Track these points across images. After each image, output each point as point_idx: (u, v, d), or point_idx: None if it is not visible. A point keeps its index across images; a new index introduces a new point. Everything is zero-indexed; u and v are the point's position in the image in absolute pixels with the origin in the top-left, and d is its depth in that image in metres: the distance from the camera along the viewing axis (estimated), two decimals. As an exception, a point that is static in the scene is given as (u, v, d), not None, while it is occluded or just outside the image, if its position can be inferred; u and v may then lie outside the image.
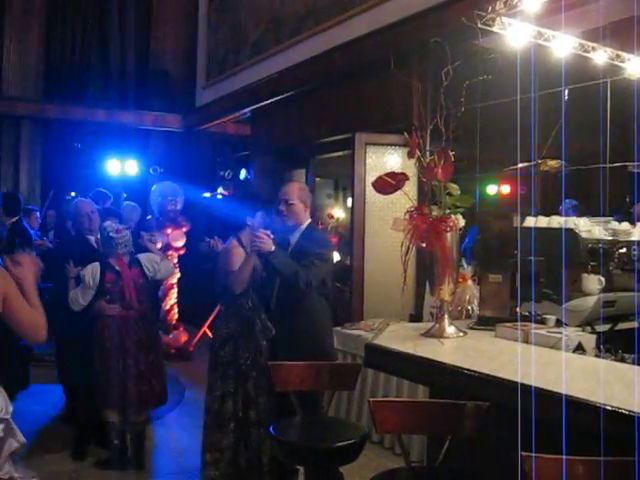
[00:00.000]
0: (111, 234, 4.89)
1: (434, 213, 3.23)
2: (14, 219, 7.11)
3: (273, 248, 4.04)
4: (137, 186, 10.08)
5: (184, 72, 12.18)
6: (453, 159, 3.20)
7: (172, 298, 8.63)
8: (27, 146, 11.47)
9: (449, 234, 3.20)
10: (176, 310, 8.70)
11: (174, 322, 8.68)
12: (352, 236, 6.84)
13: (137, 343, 4.90)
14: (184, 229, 8.34)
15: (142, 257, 5.11)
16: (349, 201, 12.50)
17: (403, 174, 3.28)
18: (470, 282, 5.12)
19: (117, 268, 4.90)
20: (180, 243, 8.37)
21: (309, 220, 4.39)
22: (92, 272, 4.87)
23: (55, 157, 11.38)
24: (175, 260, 8.50)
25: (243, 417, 4.21)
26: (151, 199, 8.45)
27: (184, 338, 8.58)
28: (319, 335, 4.29)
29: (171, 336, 8.54)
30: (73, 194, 10.74)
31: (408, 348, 2.94)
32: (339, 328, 5.98)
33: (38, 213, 8.38)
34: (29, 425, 5.49)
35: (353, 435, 3.16)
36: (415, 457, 4.70)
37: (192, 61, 11.89)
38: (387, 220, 6.71)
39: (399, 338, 3.21)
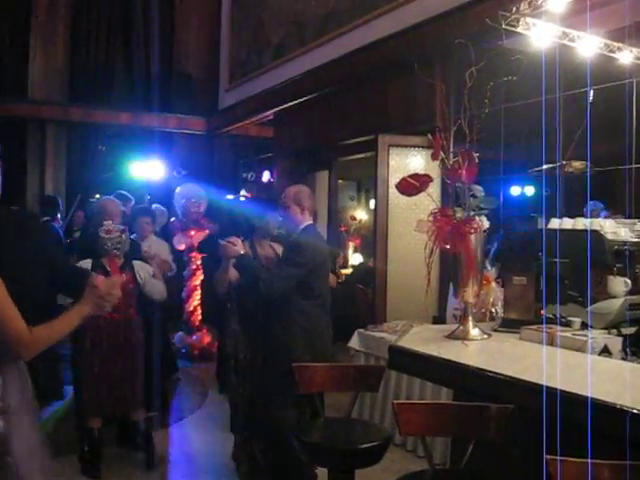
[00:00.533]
0: (101, 233, 4.81)
1: (458, 215, 3.22)
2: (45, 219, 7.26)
3: (242, 252, 4.14)
4: (161, 188, 10.14)
5: (207, 75, 12.24)
6: (477, 160, 3.19)
7: (195, 299, 8.67)
8: (52, 148, 11.59)
9: (473, 236, 3.18)
10: (199, 311, 8.73)
11: (197, 323, 8.71)
12: (375, 238, 6.84)
13: (116, 347, 4.77)
14: (207, 231, 8.38)
15: (137, 263, 4.98)
16: (372, 203, 12.52)
17: (427, 176, 3.27)
18: (494, 284, 5.09)
19: (107, 268, 4.76)
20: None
21: (307, 222, 4.35)
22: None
23: (79, 159, 11.50)
24: (198, 262, 8.56)
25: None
26: (175, 201, 8.49)
27: (207, 339, 8.61)
28: (289, 342, 4.17)
29: (194, 337, 8.58)
30: (97, 196, 10.83)
31: (432, 350, 2.93)
32: (362, 330, 5.98)
33: (58, 215, 8.47)
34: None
35: (376, 437, 3.16)
36: (438, 459, 4.68)
37: (215, 64, 11.95)
38: (410, 222, 6.70)
39: (423, 340, 3.20)
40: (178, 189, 8.61)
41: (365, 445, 3.08)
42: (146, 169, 10.80)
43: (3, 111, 10.97)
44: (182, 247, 8.34)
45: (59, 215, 8.54)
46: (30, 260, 2.80)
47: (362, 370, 3.61)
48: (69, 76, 11.89)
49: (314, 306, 4.25)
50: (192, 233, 8.29)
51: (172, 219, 8.58)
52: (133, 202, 7.64)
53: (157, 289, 5.04)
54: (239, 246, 4.15)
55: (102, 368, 4.74)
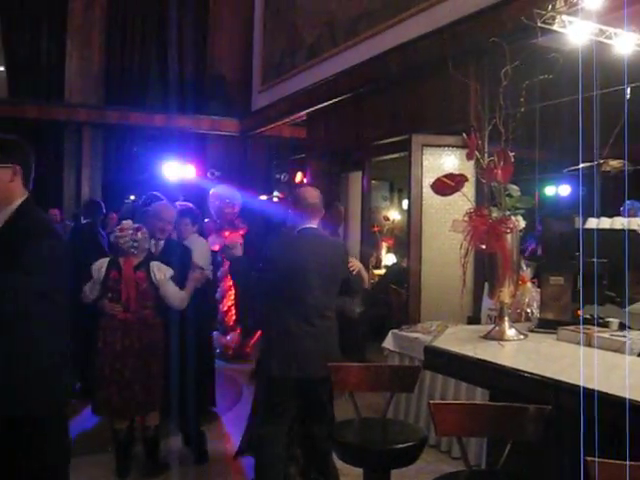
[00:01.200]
0: (116, 232, 4.83)
1: (494, 214, 3.20)
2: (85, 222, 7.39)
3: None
4: (195, 189, 10.21)
5: (240, 76, 12.32)
6: (513, 160, 3.17)
7: (230, 300, 8.72)
8: (88, 151, 11.75)
9: (509, 236, 3.17)
10: (234, 311, 8.79)
11: (231, 323, 8.77)
12: (409, 238, 6.82)
13: (128, 348, 4.70)
14: (241, 232, 8.42)
15: (154, 263, 4.83)
16: (404, 203, 12.49)
17: (462, 175, 3.26)
18: (529, 284, 5.05)
19: (122, 267, 4.79)
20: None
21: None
22: (99, 266, 4.80)
23: (115, 161, 11.64)
24: (233, 262, 8.60)
25: None
26: (209, 202, 8.55)
27: (241, 339, 8.66)
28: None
29: (229, 337, 8.64)
30: (132, 197, 10.95)
31: (468, 350, 2.92)
32: (396, 330, 5.97)
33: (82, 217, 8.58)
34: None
35: (412, 437, 3.15)
36: (472, 460, 4.64)
37: (248, 65, 12.02)
38: (444, 222, 6.68)
39: (458, 340, 3.19)
40: (212, 190, 8.67)
41: (401, 445, 3.07)
42: (180, 170, 10.89)
43: (41, 114, 11.16)
44: (216, 248, 8.39)
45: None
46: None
47: (397, 370, 3.61)
48: (105, 79, 12.05)
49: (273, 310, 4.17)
50: (226, 234, 8.35)
51: (206, 220, 8.64)
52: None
53: (172, 294, 4.82)
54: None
55: (113, 369, 4.69)
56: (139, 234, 4.81)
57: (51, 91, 11.58)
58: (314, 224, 4.08)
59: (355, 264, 4.13)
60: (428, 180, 6.75)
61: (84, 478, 4.61)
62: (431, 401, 2.61)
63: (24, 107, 11.10)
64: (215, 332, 8.71)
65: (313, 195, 4.14)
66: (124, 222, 4.95)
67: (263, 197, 10.21)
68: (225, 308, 8.70)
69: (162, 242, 5.18)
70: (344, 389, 3.39)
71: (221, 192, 8.56)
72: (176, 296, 4.83)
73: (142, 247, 4.83)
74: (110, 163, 11.81)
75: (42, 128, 11.44)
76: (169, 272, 4.84)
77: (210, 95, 12.31)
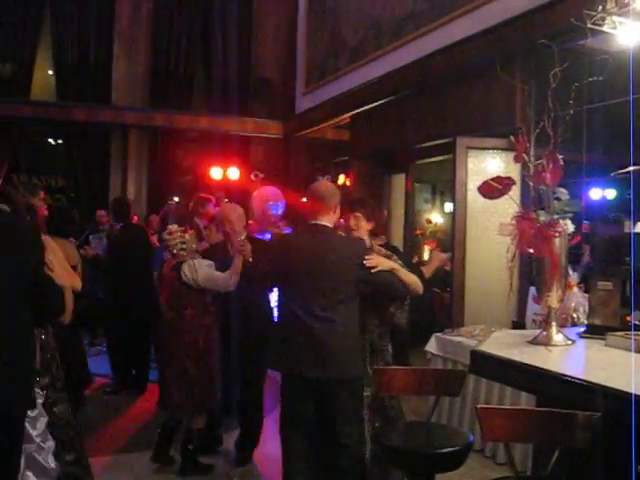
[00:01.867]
0: (164, 236, 4.99)
1: (541, 218, 3.17)
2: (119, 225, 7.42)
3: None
4: (238, 191, 10.27)
5: (284, 79, 12.39)
6: (562, 163, 3.13)
7: (273, 301, 8.74)
8: (134, 153, 11.93)
9: (557, 240, 3.13)
10: (277, 312, 8.80)
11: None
12: (453, 241, 6.77)
13: (167, 349, 4.87)
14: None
15: (186, 262, 4.86)
16: (446, 206, 12.41)
17: (509, 178, 3.23)
18: (576, 289, 4.99)
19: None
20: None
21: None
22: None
23: (160, 163, 11.78)
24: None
25: None
26: (252, 204, 8.59)
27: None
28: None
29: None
30: (176, 199, 11.06)
31: (514, 355, 2.89)
32: (439, 334, 5.94)
33: (135, 217, 8.68)
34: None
35: (457, 442, 3.13)
36: (517, 467, 4.60)
37: (292, 68, 12.07)
38: (488, 225, 6.62)
39: (505, 345, 3.17)
40: (255, 192, 8.71)
41: (446, 449, 3.06)
42: (224, 172, 10.97)
43: (88, 117, 11.35)
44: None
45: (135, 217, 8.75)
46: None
47: (443, 374, 3.58)
48: (150, 82, 12.20)
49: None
50: (268, 236, 8.38)
51: (250, 222, 8.69)
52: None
53: (209, 278, 4.80)
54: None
55: (159, 369, 4.95)
56: (186, 236, 4.91)
57: (98, 94, 11.77)
58: (324, 220, 3.89)
59: (374, 261, 3.80)
60: (472, 183, 6.70)
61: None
62: (478, 405, 2.59)
63: (72, 110, 11.32)
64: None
65: (321, 190, 3.96)
66: (170, 226, 5.05)
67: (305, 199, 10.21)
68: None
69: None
70: (389, 391, 3.38)
71: (264, 194, 8.59)
72: (216, 279, 4.81)
73: (190, 248, 4.91)
74: (155, 164, 11.96)
75: (89, 130, 11.65)
76: (203, 264, 4.87)
77: (254, 97, 12.40)
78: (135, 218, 8.80)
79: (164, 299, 4.91)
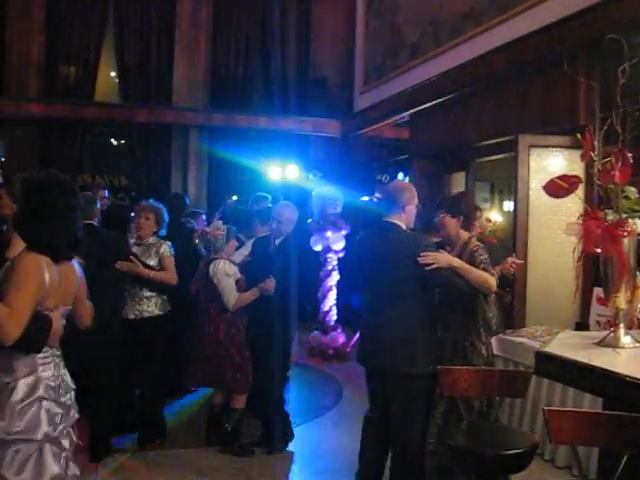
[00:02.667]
0: (208, 235, 5.38)
1: (609, 217, 3.10)
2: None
3: None
4: (297, 190, 10.33)
5: (342, 78, 12.39)
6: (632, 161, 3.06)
7: (331, 300, 8.79)
8: (195, 153, 12.10)
9: (626, 239, 3.06)
10: (335, 311, 8.84)
11: (332, 323, 8.83)
12: (514, 240, 6.67)
13: (209, 334, 5.23)
14: (343, 232, 8.48)
15: (221, 260, 5.25)
16: (505, 205, 12.22)
17: (576, 177, 3.17)
18: (644, 290, 4.86)
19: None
20: (339, 246, 8.51)
21: None
22: None
23: (220, 162, 11.91)
24: (334, 262, 8.68)
25: None
26: (312, 203, 8.65)
27: (341, 339, 8.71)
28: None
29: (329, 337, 8.70)
30: (235, 197, 11.18)
31: (582, 357, 2.84)
32: (501, 335, 5.86)
33: (204, 216, 8.76)
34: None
35: (523, 443, 3.09)
36: (577, 470, 4.51)
37: (350, 67, 12.08)
38: (551, 225, 6.51)
39: (571, 346, 3.11)
40: (315, 191, 8.76)
41: (512, 451, 3.02)
42: (283, 171, 11.05)
43: (150, 117, 11.56)
44: (318, 248, 8.49)
45: (204, 216, 8.80)
46: None
47: (508, 375, 3.54)
48: (210, 83, 12.36)
49: None
50: (328, 234, 8.42)
51: (309, 220, 8.74)
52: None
53: (223, 290, 5.16)
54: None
55: (200, 351, 5.30)
56: (221, 234, 5.32)
57: (160, 95, 11.98)
58: (394, 218, 4.07)
59: (430, 258, 3.83)
60: (535, 182, 6.60)
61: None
62: (546, 407, 2.55)
63: (135, 111, 11.55)
64: (316, 331, 8.81)
65: (389, 188, 4.30)
66: (216, 222, 5.26)
67: (365, 198, 10.21)
68: (326, 308, 8.77)
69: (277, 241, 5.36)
70: (453, 392, 3.36)
71: (323, 193, 8.64)
72: (228, 294, 5.16)
73: (213, 247, 5.32)
74: (215, 164, 12.11)
75: (151, 131, 11.87)
76: (231, 270, 5.20)
77: (312, 97, 12.43)
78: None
79: (194, 290, 5.36)
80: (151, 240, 5.37)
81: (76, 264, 3.00)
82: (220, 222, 5.34)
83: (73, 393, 2.97)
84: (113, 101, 12.02)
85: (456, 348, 4.08)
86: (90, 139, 12.31)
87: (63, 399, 2.86)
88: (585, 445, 3.74)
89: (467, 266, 3.94)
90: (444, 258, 3.89)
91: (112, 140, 13.21)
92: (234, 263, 5.32)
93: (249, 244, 5.69)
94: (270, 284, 5.13)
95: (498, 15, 7.51)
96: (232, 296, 5.14)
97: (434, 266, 3.81)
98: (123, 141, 12.82)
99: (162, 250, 5.30)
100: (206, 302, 5.26)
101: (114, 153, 13.19)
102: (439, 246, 4.18)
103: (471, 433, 3.29)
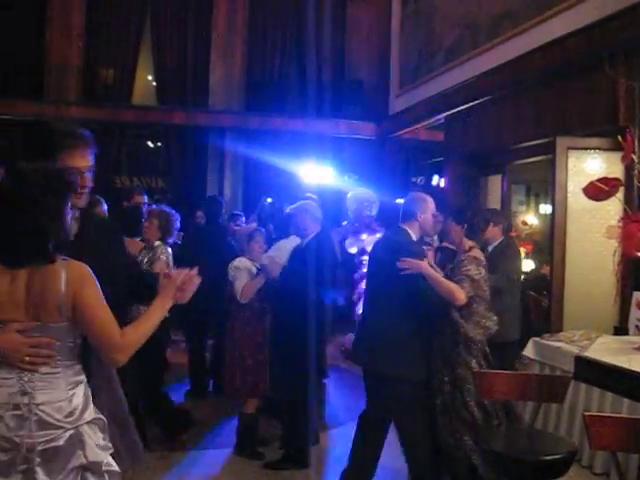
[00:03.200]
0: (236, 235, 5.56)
1: (652, 220, 3.06)
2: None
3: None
4: (332, 192, 10.33)
5: (377, 80, 12.37)
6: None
7: (366, 302, 8.75)
8: (231, 155, 12.18)
9: (669, 243, 3.02)
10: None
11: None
12: (552, 244, 6.59)
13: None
14: (378, 234, 8.44)
15: (237, 260, 5.53)
16: (541, 207, 12.10)
17: (617, 180, 3.14)
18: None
19: None
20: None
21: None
22: None
23: (256, 164, 11.98)
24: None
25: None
26: (347, 205, 8.63)
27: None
28: None
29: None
30: (269, 200, 11.22)
31: (622, 362, 2.81)
32: (537, 338, 5.80)
33: (243, 218, 8.82)
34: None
35: (562, 449, 3.05)
36: (615, 477, 4.44)
37: (385, 69, 12.05)
38: (589, 228, 6.43)
39: (610, 351, 3.08)
40: (350, 193, 8.74)
41: (551, 457, 2.99)
42: (317, 173, 11.06)
43: (187, 120, 11.68)
44: (353, 250, 8.46)
45: (243, 218, 8.86)
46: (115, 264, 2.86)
47: (547, 380, 3.50)
48: (246, 86, 12.44)
49: None
50: (363, 237, 8.39)
51: (344, 223, 8.73)
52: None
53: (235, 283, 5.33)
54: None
55: (235, 354, 5.38)
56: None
57: (196, 98, 12.09)
58: (405, 225, 4.36)
59: (406, 264, 3.97)
60: (572, 184, 6.51)
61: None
62: (586, 413, 2.52)
63: (172, 114, 11.69)
64: (351, 334, 8.78)
65: (407, 197, 4.57)
66: (251, 224, 5.38)
67: (400, 200, 10.16)
68: (361, 311, 8.73)
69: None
70: (491, 396, 3.33)
71: (358, 195, 8.61)
72: (237, 286, 5.33)
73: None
74: (251, 165, 12.18)
75: (188, 133, 11.98)
76: (242, 264, 5.39)
77: (347, 99, 12.43)
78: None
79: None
80: (155, 244, 5.46)
81: (84, 267, 2.37)
82: (255, 223, 5.40)
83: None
84: (150, 104, 12.16)
85: (444, 357, 4.14)
86: (127, 141, 12.48)
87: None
88: (627, 452, 3.69)
89: (436, 276, 4.03)
90: (417, 265, 3.99)
91: (149, 142, 13.36)
92: (253, 261, 5.45)
93: (278, 245, 5.69)
94: (275, 268, 5.25)
95: (536, 15, 7.43)
96: (240, 286, 5.27)
97: (407, 272, 3.98)
98: (159, 143, 12.97)
99: (158, 253, 5.38)
100: (229, 302, 5.44)
101: (151, 155, 13.34)
102: (449, 253, 4.39)
103: (509, 438, 3.27)
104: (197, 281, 2.54)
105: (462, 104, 8.98)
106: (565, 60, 6.87)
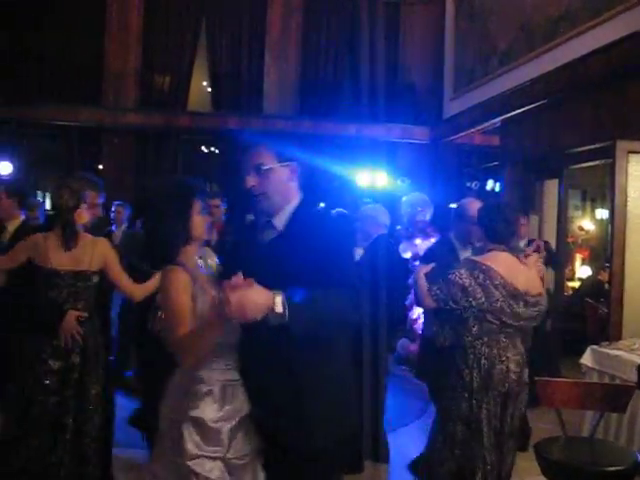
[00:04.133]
0: None
1: None
2: None
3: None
4: (386, 197, 10.31)
5: (431, 84, 12.32)
6: None
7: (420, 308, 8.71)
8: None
9: None
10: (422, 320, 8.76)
11: (420, 332, 8.75)
12: (611, 250, 6.47)
13: None
14: (432, 239, 8.40)
15: None
16: (598, 212, 11.88)
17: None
18: None
19: None
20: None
21: None
22: None
23: (308, 169, 12.01)
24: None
25: None
26: (401, 210, 8.61)
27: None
28: None
29: (416, 346, 8.62)
30: (322, 204, 11.25)
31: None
32: (595, 347, 5.69)
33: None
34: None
35: (625, 460, 2.99)
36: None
37: (439, 73, 11.99)
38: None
39: (675, 361, 3.00)
40: (404, 198, 8.72)
41: (613, 468, 2.93)
42: (371, 178, 11.05)
43: (241, 125, 11.79)
44: (407, 255, 8.44)
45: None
46: None
47: (610, 389, 3.44)
48: (299, 91, 12.51)
49: None
50: (417, 242, 8.36)
51: (398, 227, 8.72)
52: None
53: None
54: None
55: None
56: None
57: (250, 103, 12.22)
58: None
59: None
60: (632, 189, 6.39)
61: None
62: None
63: (226, 119, 11.83)
64: (404, 339, 8.76)
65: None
66: None
67: (454, 205, 10.09)
68: (415, 315, 8.70)
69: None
70: (552, 405, 3.28)
71: (412, 200, 8.59)
72: None
73: None
74: (303, 170, 12.21)
75: (242, 138, 12.07)
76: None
77: (401, 103, 12.39)
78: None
79: None
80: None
81: None
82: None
83: None
84: (205, 110, 12.32)
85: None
86: (182, 147, 12.67)
87: None
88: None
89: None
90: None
91: (203, 147, 13.54)
92: None
93: None
94: None
95: (594, 17, 7.31)
96: None
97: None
98: (214, 148, 13.12)
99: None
100: None
101: (206, 160, 13.51)
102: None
103: (569, 447, 3.21)
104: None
105: (518, 107, 8.88)
106: (624, 62, 6.74)
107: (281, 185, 2.63)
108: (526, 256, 3.87)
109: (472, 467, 3.38)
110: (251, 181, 2.62)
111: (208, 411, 2.40)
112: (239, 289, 2.15)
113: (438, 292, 3.63)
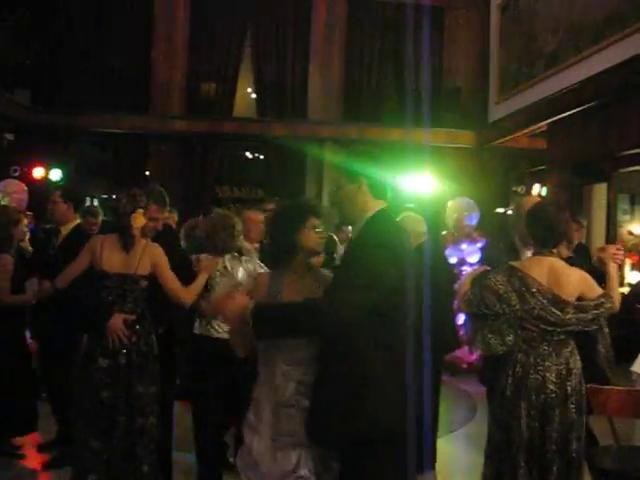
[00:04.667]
0: None
1: None
2: None
3: None
4: (431, 202, 10.26)
5: (476, 88, 12.22)
6: None
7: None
8: (329, 165, 12.26)
9: None
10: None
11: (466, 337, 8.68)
12: (662, 255, 6.35)
13: None
14: (479, 244, 8.34)
15: None
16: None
17: None
18: None
19: None
20: (475, 259, 8.37)
21: None
22: None
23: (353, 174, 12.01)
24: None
25: None
26: (447, 215, 8.57)
27: (476, 354, 8.54)
28: None
29: (463, 351, 8.55)
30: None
31: None
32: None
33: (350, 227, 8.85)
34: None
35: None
36: None
37: (484, 77, 11.90)
38: None
39: None
40: (450, 202, 8.68)
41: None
42: (416, 183, 11.00)
43: (286, 131, 11.87)
44: (453, 260, 8.39)
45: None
46: None
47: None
48: (344, 96, 12.53)
49: None
50: (463, 246, 8.31)
51: (444, 232, 8.67)
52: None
53: None
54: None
55: None
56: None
57: (295, 109, 12.28)
58: None
59: None
60: (686, 193, 6.26)
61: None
62: None
63: (271, 125, 11.91)
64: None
65: None
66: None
67: (500, 210, 10.02)
68: (460, 321, 8.63)
69: None
70: (604, 412, 3.22)
71: (459, 204, 8.55)
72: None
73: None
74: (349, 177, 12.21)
75: (287, 144, 12.15)
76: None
77: (445, 107, 12.32)
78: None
79: None
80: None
81: None
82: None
83: None
84: (250, 116, 12.43)
85: None
86: (228, 153, 12.80)
87: None
88: None
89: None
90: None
91: (248, 153, 13.64)
92: None
93: None
94: None
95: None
96: None
97: None
98: (259, 154, 13.22)
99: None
100: None
101: (250, 166, 13.62)
102: None
103: (621, 456, 3.16)
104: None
105: (566, 110, 8.77)
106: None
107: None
108: (603, 249, 3.78)
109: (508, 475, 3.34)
110: None
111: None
112: (229, 298, 2.72)
113: (471, 296, 3.57)
